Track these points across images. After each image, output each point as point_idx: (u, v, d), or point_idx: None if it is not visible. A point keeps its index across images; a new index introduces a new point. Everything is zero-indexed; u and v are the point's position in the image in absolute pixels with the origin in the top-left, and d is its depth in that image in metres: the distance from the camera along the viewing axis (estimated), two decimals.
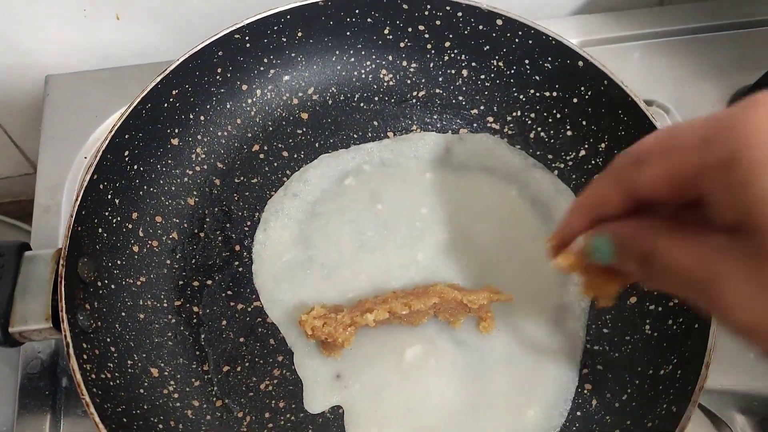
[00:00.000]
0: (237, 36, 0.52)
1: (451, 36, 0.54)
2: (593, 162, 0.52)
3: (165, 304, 0.47)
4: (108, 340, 0.44)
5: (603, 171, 0.31)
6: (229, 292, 0.48)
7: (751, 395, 0.48)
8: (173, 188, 0.51)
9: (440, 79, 0.56)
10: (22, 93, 0.67)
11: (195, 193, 0.51)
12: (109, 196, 0.47)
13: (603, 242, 0.32)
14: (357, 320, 0.43)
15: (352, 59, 0.56)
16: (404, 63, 0.56)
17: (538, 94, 0.54)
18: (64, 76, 0.63)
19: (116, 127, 0.47)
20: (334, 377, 0.45)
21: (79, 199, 0.44)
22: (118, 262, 0.47)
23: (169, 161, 0.51)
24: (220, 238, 0.50)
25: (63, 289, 0.41)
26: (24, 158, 0.76)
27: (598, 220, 0.32)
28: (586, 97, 0.51)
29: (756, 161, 0.25)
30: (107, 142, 0.46)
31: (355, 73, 0.56)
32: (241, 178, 0.52)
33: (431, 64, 0.56)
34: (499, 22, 0.52)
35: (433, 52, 0.55)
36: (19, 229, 0.72)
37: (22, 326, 0.42)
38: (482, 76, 0.55)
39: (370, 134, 0.54)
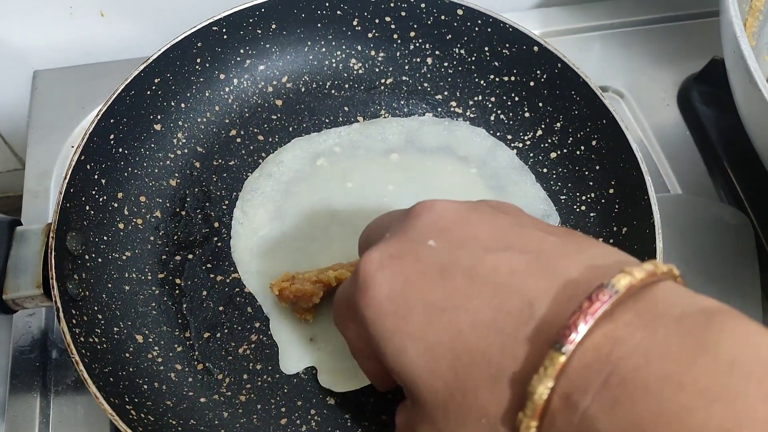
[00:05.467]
0: (214, 28, 0.55)
1: (415, 26, 0.58)
2: (549, 140, 0.55)
3: (149, 277, 0.51)
4: (95, 308, 0.47)
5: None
6: (208, 265, 0.51)
7: None
8: (156, 170, 0.54)
9: (406, 67, 0.59)
10: (10, 89, 0.70)
11: (176, 174, 0.55)
12: (96, 176, 0.50)
13: None
14: (321, 277, 0.46)
15: (323, 49, 0.59)
16: (372, 52, 0.59)
17: (497, 79, 0.57)
18: (51, 71, 0.67)
19: (102, 112, 0.50)
20: (307, 340, 0.48)
21: (68, 177, 0.47)
22: (105, 238, 0.50)
23: (152, 145, 0.54)
24: (200, 216, 0.53)
25: (53, 259, 0.44)
26: (12, 154, 0.79)
27: None
28: (542, 80, 0.55)
29: (373, 330, 0.32)
30: (93, 125, 0.49)
31: (326, 62, 0.59)
32: (220, 160, 0.55)
33: (398, 53, 0.59)
34: (460, 12, 0.56)
35: (399, 41, 0.59)
36: None
37: (14, 293, 0.45)
38: (445, 64, 0.59)
39: (341, 119, 0.58)
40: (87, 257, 0.48)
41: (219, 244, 0.52)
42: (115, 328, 0.47)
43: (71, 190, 0.47)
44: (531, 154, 0.56)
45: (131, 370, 0.46)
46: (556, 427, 0.26)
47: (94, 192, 0.50)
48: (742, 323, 0.25)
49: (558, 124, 0.55)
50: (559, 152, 0.55)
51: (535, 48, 0.54)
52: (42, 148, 0.62)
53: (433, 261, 0.31)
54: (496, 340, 0.28)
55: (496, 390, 0.28)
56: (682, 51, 0.68)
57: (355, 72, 0.59)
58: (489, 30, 0.56)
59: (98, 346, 0.45)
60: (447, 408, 0.30)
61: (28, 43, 0.67)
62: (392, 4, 0.57)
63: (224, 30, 0.56)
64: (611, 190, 0.52)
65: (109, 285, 0.49)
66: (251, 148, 0.56)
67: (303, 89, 0.59)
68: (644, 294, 0.27)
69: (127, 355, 0.46)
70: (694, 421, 0.22)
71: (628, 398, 0.24)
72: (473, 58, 0.58)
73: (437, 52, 0.59)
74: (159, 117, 0.55)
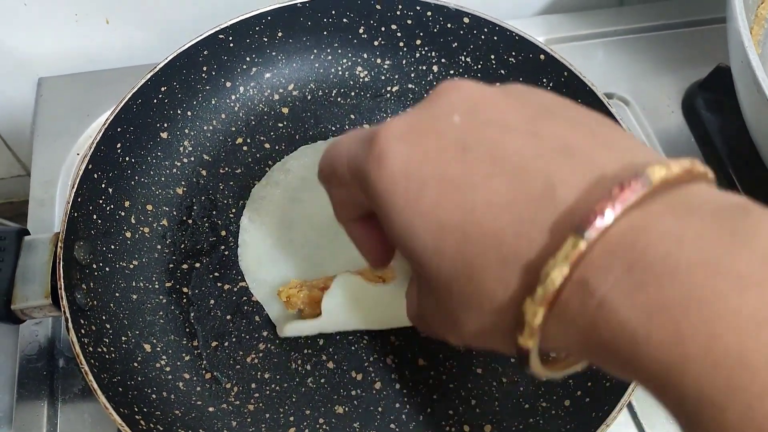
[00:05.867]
0: (221, 36, 0.55)
1: (421, 34, 0.58)
2: None
3: (156, 286, 0.50)
4: (103, 317, 0.47)
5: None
6: (216, 274, 0.51)
7: None
8: (163, 179, 0.54)
9: (412, 75, 0.59)
10: (14, 96, 0.70)
11: (183, 183, 0.55)
12: (103, 185, 0.50)
13: None
14: (329, 284, 0.46)
15: (330, 57, 0.59)
16: (378, 60, 0.59)
17: None
18: (56, 78, 0.67)
19: (109, 121, 0.50)
20: None
21: (75, 186, 0.47)
22: (112, 247, 0.50)
23: (159, 153, 0.54)
24: (207, 224, 0.53)
25: (61, 269, 0.44)
26: (16, 160, 0.79)
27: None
28: (548, 88, 0.55)
29: (381, 203, 0.29)
30: (101, 134, 0.49)
31: (333, 70, 0.59)
32: (226, 168, 0.55)
33: (404, 61, 0.59)
34: (466, 20, 0.56)
35: (405, 49, 0.59)
36: None
37: (23, 303, 0.45)
38: (451, 72, 0.59)
39: (347, 127, 0.58)
40: (95, 266, 0.48)
41: (226, 252, 0.52)
42: (123, 338, 0.47)
43: (79, 199, 0.47)
44: None
45: (140, 379, 0.46)
46: (568, 316, 0.24)
47: (101, 201, 0.50)
48: None
49: None
50: None
51: (542, 56, 0.54)
52: (47, 155, 0.62)
53: (455, 137, 0.28)
54: (512, 222, 0.26)
55: (505, 274, 0.26)
56: (687, 58, 0.68)
57: (361, 80, 0.59)
58: (495, 38, 0.56)
59: (107, 356, 0.45)
60: (450, 289, 0.28)
61: (34, 50, 0.67)
62: (398, 12, 0.57)
63: (230, 38, 0.56)
64: None
65: (117, 294, 0.48)
66: (258, 156, 0.56)
67: (309, 97, 0.59)
68: (677, 189, 0.25)
69: (136, 364, 0.46)
70: (726, 306, 0.21)
71: (653, 282, 0.22)
72: (479, 66, 0.58)
73: (443, 60, 0.59)
74: (165, 125, 0.55)
